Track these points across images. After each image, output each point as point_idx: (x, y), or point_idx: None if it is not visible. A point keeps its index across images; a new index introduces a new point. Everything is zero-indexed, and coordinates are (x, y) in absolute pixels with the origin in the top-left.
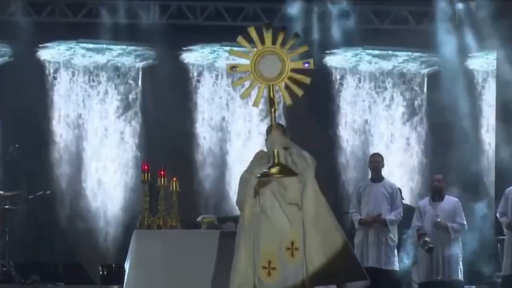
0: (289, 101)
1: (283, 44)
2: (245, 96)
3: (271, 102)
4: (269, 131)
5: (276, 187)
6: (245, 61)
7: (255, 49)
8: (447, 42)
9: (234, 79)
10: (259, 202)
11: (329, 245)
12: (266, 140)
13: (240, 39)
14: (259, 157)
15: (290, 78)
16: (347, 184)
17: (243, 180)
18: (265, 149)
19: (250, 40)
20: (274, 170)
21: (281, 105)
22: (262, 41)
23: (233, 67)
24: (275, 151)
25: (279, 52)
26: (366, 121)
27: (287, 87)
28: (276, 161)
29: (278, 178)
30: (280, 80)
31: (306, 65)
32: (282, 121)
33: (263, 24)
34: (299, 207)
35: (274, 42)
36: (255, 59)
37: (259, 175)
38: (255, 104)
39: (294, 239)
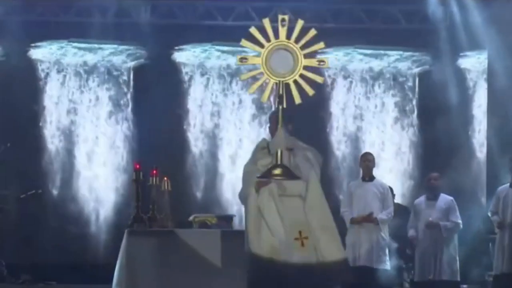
0: (298, 100)
1: (297, 40)
2: (252, 90)
3: (280, 99)
4: (271, 118)
5: (275, 188)
6: (255, 54)
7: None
8: (439, 41)
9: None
10: (257, 200)
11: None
12: (269, 127)
13: (244, 42)
14: (261, 147)
15: (301, 76)
16: (339, 186)
17: (246, 174)
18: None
19: (253, 41)
20: (276, 171)
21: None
22: (277, 35)
23: (242, 59)
24: (279, 151)
25: (292, 48)
26: (356, 122)
27: (297, 84)
28: (278, 162)
29: (279, 180)
30: (291, 78)
31: (321, 63)
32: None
33: (280, 16)
34: (302, 198)
35: (288, 37)
36: (267, 53)
37: (259, 175)
38: (263, 99)
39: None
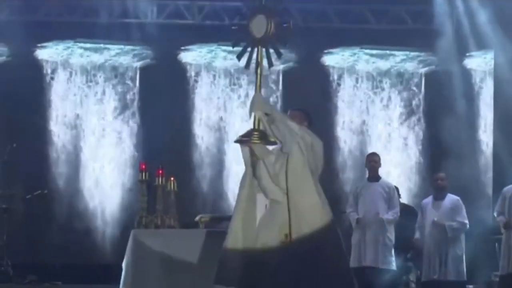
0: (271, 64)
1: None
2: (240, 57)
3: (256, 64)
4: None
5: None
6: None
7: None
8: (445, 41)
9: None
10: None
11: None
12: None
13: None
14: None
15: (273, 37)
16: (345, 184)
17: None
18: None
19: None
20: (252, 135)
21: (278, 105)
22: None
23: (235, 26)
24: (256, 115)
25: (265, 11)
26: (363, 122)
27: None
28: (255, 126)
29: (255, 144)
30: (266, 40)
31: (285, 25)
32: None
33: None
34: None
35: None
36: (250, 19)
37: (235, 139)
38: (246, 66)
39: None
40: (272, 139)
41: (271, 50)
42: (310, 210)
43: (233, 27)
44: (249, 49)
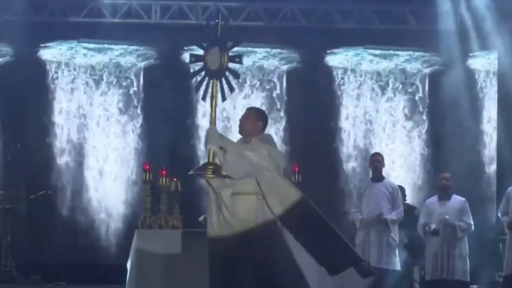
0: (224, 97)
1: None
2: (197, 89)
3: (212, 97)
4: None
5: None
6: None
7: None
8: (448, 42)
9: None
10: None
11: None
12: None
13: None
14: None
15: (227, 71)
16: (348, 181)
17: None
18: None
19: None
20: (206, 169)
21: (282, 105)
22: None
23: (192, 57)
24: (210, 150)
25: (220, 44)
26: (367, 121)
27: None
28: (210, 160)
29: (209, 179)
30: (221, 73)
31: (236, 60)
32: (283, 120)
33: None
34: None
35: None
36: (207, 51)
37: (190, 172)
38: (202, 98)
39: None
40: (225, 173)
41: (225, 83)
42: (282, 195)
43: (191, 59)
44: (205, 81)
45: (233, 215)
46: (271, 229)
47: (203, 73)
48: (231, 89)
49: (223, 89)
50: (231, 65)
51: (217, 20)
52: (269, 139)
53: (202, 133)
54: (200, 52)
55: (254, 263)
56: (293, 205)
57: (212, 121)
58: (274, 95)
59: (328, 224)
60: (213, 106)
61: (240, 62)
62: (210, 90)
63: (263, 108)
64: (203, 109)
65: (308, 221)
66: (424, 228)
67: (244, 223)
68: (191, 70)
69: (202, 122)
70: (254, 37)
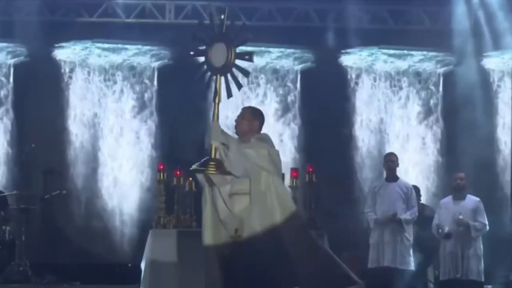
0: (230, 94)
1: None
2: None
3: (215, 93)
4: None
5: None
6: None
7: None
8: (463, 42)
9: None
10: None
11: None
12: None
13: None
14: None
15: (233, 69)
16: (363, 183)
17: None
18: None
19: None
20: (208, 165)
21: (296, 105)
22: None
23: (192, 52)
24: (212, 145)
25: (225, 40)
26: (381, 121)
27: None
28: (212, 155)
29: (211, 175)
30: (226, 70)
31: (246, 57)
32: (298, 120)
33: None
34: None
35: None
36: (209, 46)
37: (193, 167)
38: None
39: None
40: (227, 170)
41: (231, 80)
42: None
43: (191, 53)
44: (207, 76)
45: (231, 211)
46: (272, 235)
47: (205, 67)
48: (239, 86)
49: (229, 85)
50: (240, 62)
51: (222, 16)
52: (267, 139)
53: None
54: (200, 47)
55: (250, 267)
56: (288, 217)
57: (215, 117)
58: (288, 95)
59: (317, 242)
60: (216, 102)
61: (251, 60)
62: (214, 85)
63: (277, 107)
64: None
65: (299, 236)
66: (437, 230)
67: (240, 223)
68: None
69: None
70: (268, 37)
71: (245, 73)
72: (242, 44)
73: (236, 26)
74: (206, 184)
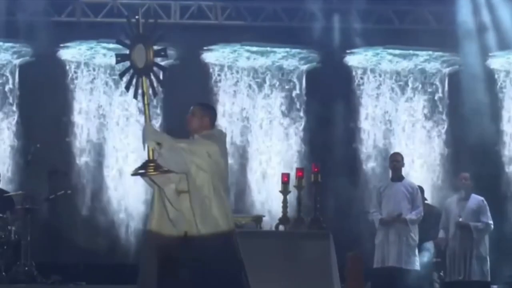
0: (155, 93)
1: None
2: (127, 88)
3: (143, 94)
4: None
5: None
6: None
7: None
8: (468, 42)
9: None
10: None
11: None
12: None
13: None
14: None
15: (155, 66)
16: (368, 178)
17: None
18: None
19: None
20: (147, 167)
21: (301, 104)
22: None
23: (118, 57)
24: (149, 147)
25: (144, 41)
26: (387, 121)
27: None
28: (150, 157)
29: (152, 176)
30: (148, 70)
31: (162, 53)
32: (303, 116)
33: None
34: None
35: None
36: (131, 49)
37: (132, 173)
38: (134, 97)
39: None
40: (166, 169)
41: (154, 79)
42: (216, 217)
43: (118, 59)
44: (134, 79)
45: (178, 210)
46: (221, 240)
47: (131, 71)
48: (160, 83)
49: (153, 85)
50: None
51: (137, 17)
52: (211, 136)
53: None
54: (126, 51)
55: (195, 266)
56: (231, 228)
57: (147, 118)
58: (293, 95)
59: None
60: (145, 104)
61: (165, 56)
62: (140, 87)
63: (283, 107)
64: (222, 108)
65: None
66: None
67: (188, 225)
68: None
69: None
70: (273, 37)
71: (163, 69)
72: (157, 42)
73: (150, 24)
74: (155, 186)
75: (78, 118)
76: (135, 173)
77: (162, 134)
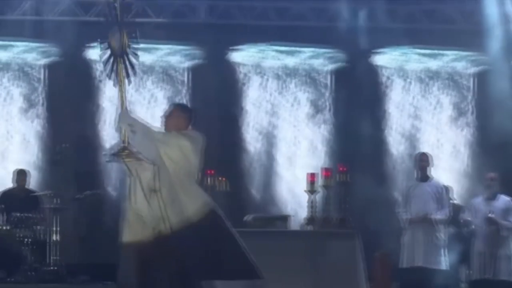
0: (127, 75)
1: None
2: (109, 75)
3: (119, 78)
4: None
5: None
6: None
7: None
8: (495, 41)
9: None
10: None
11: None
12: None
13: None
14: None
15: (127, 50)
16: (396, 179)
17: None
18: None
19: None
20: (122, 153)
21: (328, 104)
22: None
23: (101, 44)
24: (123, 129)
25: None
26: (413, 122)
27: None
28: (124, 140)
29: (127, 163)
30: (122, 53)
31: (133, 35)
32: (330, 120)
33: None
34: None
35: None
36: (110, 34)
37: (107, 159)
38: (111, 80)
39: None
40: (141, 155)
41: (128, 62)
42: (187, 206)
43: (101, 46)
44: (111, 62)
45: (151, 205)
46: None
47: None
48: (132, 67)
49: (127, 68)
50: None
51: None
52: (185, 134)
53: (252, 134)
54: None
55: (171, 265)
56: (203, 213)
57: (122, 101)
58: (320, 95)
59: (231, 234)
60: (120, 87)
61: (136, 38)
62: (116, 71)
63: (310, 107)
64: (248, 108)
65: (214, 230)
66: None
67: (160, 223)
68: None
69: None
70: (300, 36)
71: (134, 54)
72: (130, 25)
73: (123, 6)
74: (129, 173)
75: (104, 116)
76: (110, 159)
77: (136, 119)
